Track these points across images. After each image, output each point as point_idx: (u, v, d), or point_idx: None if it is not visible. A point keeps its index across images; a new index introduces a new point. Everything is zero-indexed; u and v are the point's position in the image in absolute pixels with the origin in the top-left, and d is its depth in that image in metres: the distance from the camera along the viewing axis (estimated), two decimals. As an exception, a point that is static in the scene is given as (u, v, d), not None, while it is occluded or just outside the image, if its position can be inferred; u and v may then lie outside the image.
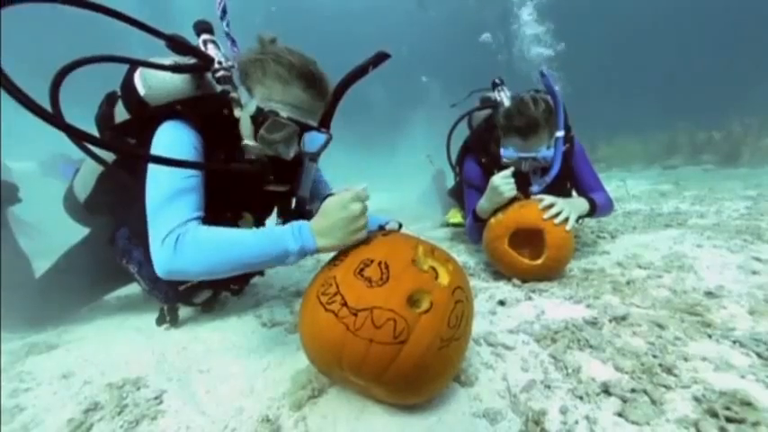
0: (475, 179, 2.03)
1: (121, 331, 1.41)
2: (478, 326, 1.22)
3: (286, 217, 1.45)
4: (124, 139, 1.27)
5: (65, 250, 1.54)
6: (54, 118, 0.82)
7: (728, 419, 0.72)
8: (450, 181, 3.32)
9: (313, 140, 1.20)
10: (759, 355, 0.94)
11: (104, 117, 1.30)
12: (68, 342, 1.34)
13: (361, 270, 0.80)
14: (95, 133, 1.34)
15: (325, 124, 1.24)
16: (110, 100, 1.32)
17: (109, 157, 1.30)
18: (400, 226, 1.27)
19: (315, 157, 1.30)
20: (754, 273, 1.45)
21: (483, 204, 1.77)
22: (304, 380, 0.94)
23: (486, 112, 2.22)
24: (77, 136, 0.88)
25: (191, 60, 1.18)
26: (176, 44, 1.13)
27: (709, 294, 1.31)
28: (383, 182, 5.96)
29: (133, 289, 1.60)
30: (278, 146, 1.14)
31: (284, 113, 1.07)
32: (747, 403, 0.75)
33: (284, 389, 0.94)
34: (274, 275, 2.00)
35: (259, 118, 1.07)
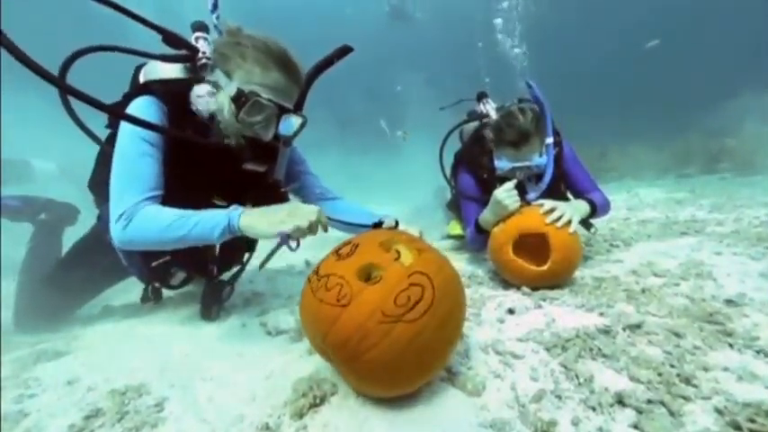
0: (470, 190, 2.08)
1: (128, 339, 1.41)
2: (486, 334, 1.19)
3: (262, 202, 1.43)
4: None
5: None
6: (45, 72, 0.87)
7: (754, 432, 0.68)
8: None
9: (288, 124, 1.28)
10: (786, 366, 0.88)
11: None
12: (77, 349, 1.35)
13: (339, 249, 0.94)
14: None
15: (299, 108, 1.32)
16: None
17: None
18: (397, 224, 1.26)
19: (289, 140, 1.36)
20: (778, 280, 1.38)
21: (487, 217, 1.76)
22: (305, 388, 0.91)
23: (475, 124, 2.22)
24: (66, 89, 0.93)
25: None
26: (168, 36, 1.21)
27: (729, 302, 1.25)
28: (390, 194, 5.95)
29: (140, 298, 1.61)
30: (257, 127, 1.20)
31: (264, 95, 1.14)
32: (774, 415, 0.71)
33: (286, 397, 0.92)
34: (281, 284, 2.00)
35: (240, 99, 1.13)
